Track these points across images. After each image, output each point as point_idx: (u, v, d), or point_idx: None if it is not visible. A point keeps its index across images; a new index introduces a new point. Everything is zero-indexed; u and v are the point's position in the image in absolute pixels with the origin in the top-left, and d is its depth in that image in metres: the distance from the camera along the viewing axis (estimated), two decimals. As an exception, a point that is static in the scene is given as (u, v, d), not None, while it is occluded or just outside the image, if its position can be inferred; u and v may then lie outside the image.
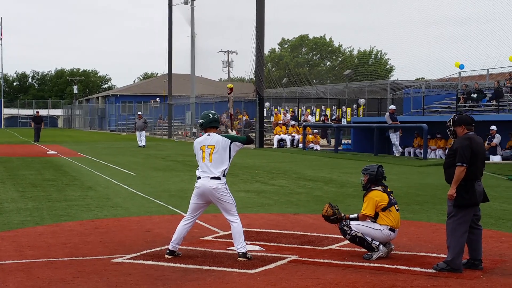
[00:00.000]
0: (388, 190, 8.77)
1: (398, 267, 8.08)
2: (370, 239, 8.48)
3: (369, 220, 8.59)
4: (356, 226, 8.55)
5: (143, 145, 37.09)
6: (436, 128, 29.32)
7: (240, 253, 8.37)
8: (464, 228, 7.84)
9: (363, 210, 8.60)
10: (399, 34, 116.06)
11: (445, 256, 8.13)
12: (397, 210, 8.66)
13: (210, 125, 8.65)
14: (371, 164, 9.08)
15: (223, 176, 8.44)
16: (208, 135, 8.57)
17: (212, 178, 8.34)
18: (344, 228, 8.60)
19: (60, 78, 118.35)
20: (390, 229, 8.51)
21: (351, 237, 8.56)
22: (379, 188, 8.69)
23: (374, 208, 8.54)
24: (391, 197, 8.67)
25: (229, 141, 8.49)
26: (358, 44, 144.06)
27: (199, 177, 8.46)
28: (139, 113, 41.31)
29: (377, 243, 8.48)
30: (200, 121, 8.72)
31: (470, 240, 8.02)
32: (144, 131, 38.13)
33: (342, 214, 8.84)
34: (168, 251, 8.61)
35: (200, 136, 8.81)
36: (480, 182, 8.03)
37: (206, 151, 8.42)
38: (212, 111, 8.84)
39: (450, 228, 7.89)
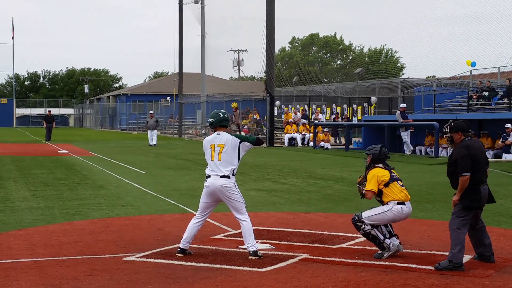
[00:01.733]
0: (390, 167, 8.78)
1: (410, 265, 8.06)
2: (382, 238, 8.44)
3: (376, 207, 8.57)
4: (368, 217, 8.52)
5: (154, 144, 36.98)
6: (447, 127, 29.18)
7: (251, 252, 8.38)
8: (466, 227, 8.00)
9: (366, 186, 8.64)
10: (410, 32, 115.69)
11: None
12: (401, 185, 8.62)
13: (220, 124, 8.64)
14: (375, 145, 9.12)
15: (233, 175, 8.46)
16: (218, 133, 8.57)
17: (221, 176, 8.37)
18: (357, 223, 8.58)
19: (71, 77, 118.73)
20: (398, 203, 8.47)
21: (364, 233, 8.56)
22: (380, 165, 8.73)
23: (376, 183, 8.55)
24: (393, 173, 8.67)
25: (239, 140, 8.49)
26: (369, 42, 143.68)
27: (209, 176, 8.48)
28: (151, 112, 41.22)
29: (389, 242, 8.43)
30: (210, 120, 8.70)
31: (475, 236, 8.16)
32: (155, 130, 38.08)
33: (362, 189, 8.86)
34: (179, 249, 8.62)
35: (210, 135, 8.77)
36: (486, 185, 8.17)
37: (215, 149, 8.43)
38: (222, 110, 8.82)
39: (453, 227, 7.98)
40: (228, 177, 8.39)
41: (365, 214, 8.57)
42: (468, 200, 7.93)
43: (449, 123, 8.33)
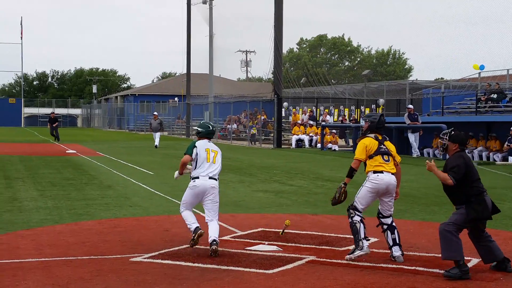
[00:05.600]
0: (381, 138, 8.68)
1: (417, 268, 8.02)
2: (362, 236, 8.40)
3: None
4: (357, 197, 8.59)
5: (156, 146, 35.64)
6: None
7: (215, 242, 8.65)
8: (458, 235, 7.72)
9: (355, 155, 8.68)
10: (418, 34, 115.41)
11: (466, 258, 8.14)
12: (386, 160, 8.53)
13: (208, 136, 9.33)
14: (375, 112, 9.12)
15: (218, 179, 9.15)
16: (209, 141, 9.29)
17: (210, 178, 8.97)
18: (350, 210, 8.58)
19: (79, 77, 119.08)
20: (374, 172, 8.49)
21: (350, 223, 8.55)
22: (372, 135, 8.69)
23: (364, 152, 8.56)
24: (381, 146, 8.59)
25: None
26: (377, 43, 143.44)
27: (197, 177, 8.96)
28: (155, 113, 40.13)
29: (365, 242, 8.40)
30: (199, 129, 9.34)
31: (488, 247, 7.92)
32: (159, 133, 36.67)
33: (342, 192, 8.80)
34: (198, 229, 8.92)
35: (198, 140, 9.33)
36: (488, 195, 7.95)
37: (210, 154, 9.09)
38: (211, 123, 9.51)
39: (446, 229, 7.69)
40: (216, 179, 9.03)
41: (356, 196, 8.59)
42: (475, 212, 7.67)
43: (450, 131, 8.21)
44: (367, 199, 8.54)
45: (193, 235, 8.96)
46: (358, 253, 8.42)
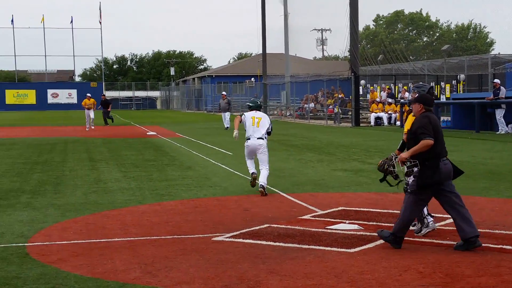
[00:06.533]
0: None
1: (504, 247, 7.81)
2: (426, 212, 8.36)
3: None
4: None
5: (227, 127, 34.24)
6: (541, 103, 28.06)
7: (262, 186, 11.96)
8: (421, 206, 7.85)
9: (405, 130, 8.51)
10: (499, 6, 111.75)
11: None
12: None
13: (256, 108, 12.55)
14: (424, 83, 8.99)
15: (265, 138, 12.32)
16: (256, 112, 12.47)
17: (258, 138, 12.23)
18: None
19: (157, 60, 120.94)
20: None
21: None
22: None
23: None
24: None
25: (268, 117, 12.65)
26: (456, 18, 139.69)
27: (249, 138, 12.29)
28: (223, 93, 38.74)
29: (430, 218, 8.38)
30: (250, 104, 12.73)
31: (461, 219, 7.70)
32: (228, 112, 35.64)
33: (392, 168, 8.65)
34: (254, 174, 12.35)
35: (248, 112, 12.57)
36: (447, 160, 7.80)
37: (255, 120, 12.25)
38: (259, 100, 13.24)
39: (408, 204, 7.82)
40: (263, 139, 12.26)
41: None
42: (425, 177, 7.63)
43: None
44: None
45: (250, 178, 12.42)
46: (425, 230, 8.42)
